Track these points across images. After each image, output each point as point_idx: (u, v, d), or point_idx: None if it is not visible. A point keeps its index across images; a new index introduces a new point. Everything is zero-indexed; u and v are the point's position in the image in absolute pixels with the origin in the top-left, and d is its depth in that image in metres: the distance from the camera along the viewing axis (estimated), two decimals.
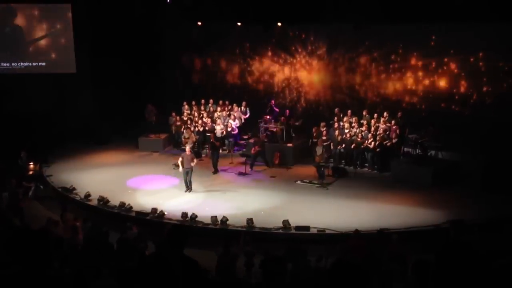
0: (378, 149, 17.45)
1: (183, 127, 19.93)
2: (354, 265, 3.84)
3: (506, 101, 17.50)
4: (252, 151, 18.09)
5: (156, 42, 21.98)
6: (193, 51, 22.61)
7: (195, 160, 16.01)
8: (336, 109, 19.30)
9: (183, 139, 19.00)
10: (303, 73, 21.41)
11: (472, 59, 18.11)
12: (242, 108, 20.53)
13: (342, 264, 3.87)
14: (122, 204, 14.69)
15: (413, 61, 19.26)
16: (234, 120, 19.90)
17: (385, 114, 18.14)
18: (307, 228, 13.09)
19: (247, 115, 20.58)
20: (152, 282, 3.68)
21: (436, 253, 3.93)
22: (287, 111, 19.82)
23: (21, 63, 21.66)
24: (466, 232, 11.50)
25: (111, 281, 5.64)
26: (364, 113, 18.85)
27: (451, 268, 3.82)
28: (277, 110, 20.02)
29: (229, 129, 19.69)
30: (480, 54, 17.82)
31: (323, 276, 8.24)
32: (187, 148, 16.27)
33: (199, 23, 21.32)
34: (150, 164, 18.94)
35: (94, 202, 15.19)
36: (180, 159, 15.85)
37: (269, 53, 21.82)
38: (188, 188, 15.93)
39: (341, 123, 18.57)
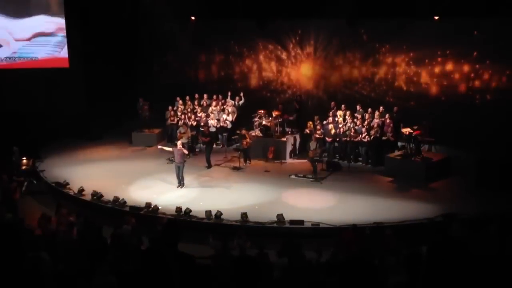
0: (371, 142, 17.45)
1: (176, 121, 19.89)
2: (367, 262, 3.83)
3: (502, 97, 17.64)
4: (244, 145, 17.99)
5: (148, 37, 21.87)
6: (185, 47, 22.50)
7: (189, 154, 16.05)
8: (332, 102, 19.30)
9: (178, 134, 18.92)
10: (297, 68, 21.40)
11: (469, 55, 18.22)
12: (235, 102, 20.46)
13: (355, 260, 3.86)
14: (116, 199, 14.65)
15: (408, 56, 19.31)
16: (228, 115, 19.84)
17: (381, 108, 18.16)
18: (301, 222, 13.11)
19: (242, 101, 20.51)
20: (148, 277, 3.67)
21: (427, 248, 3.94)
22: (280, 106, 19.79)
23: (14, 58, 21.47)
24: (459, 226, 11.56)
25: (110, 278, 5.62)
26: (357, 107, 18.87)
27: (441, 263, 3.83)
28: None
29: (222, 124, 19.67)
30: (478, 51, 17.94)
31: (319, 271, 8.26)
32: (179, 143, 16.23)
33: (192, 19, 21.28)
34: (144, 159, 18.89)
35: (88, 197, 15.15)
36: (167, 148, 16.67)
37: (262, 48, 21.79)
38: (180, 183, 15.92)
39: (336, 118, 18.57)
